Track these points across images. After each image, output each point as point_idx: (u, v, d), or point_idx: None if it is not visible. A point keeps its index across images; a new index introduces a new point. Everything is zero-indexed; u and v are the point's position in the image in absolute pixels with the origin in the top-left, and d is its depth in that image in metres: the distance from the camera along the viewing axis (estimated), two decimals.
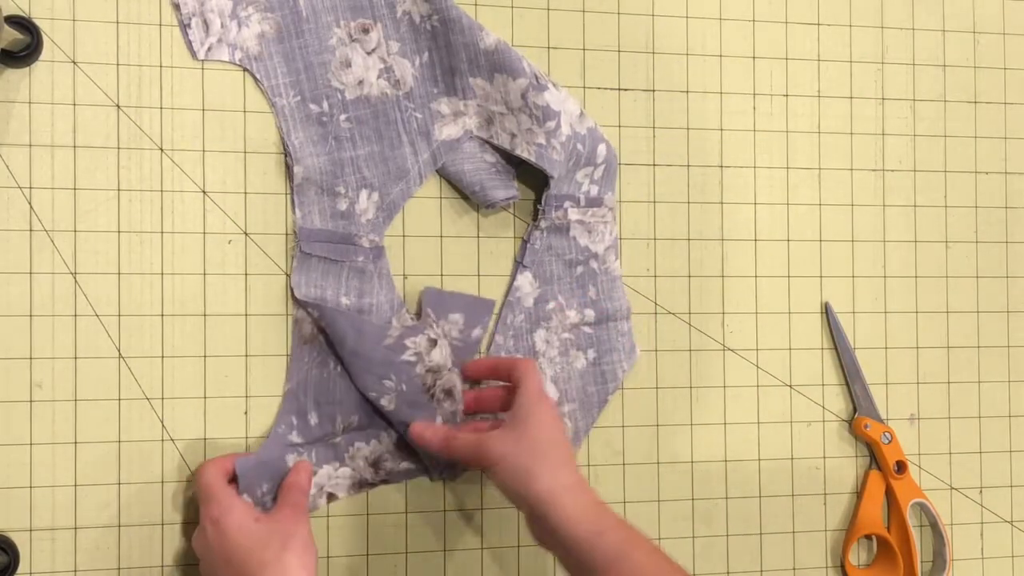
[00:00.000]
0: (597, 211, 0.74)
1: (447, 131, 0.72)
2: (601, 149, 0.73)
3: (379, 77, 0.72)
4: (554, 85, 0.72)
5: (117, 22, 0.69)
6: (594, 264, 0.74)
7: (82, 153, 0.69)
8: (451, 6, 0.71)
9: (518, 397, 0.67)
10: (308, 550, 0.64)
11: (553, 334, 0.74)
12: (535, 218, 0.74)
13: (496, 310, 0.74)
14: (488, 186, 0.73)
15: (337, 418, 0.71)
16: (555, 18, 0.76)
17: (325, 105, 0.71)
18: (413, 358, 0.70)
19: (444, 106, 0.72)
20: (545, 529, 0.64)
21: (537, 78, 0.71)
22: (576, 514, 0.63)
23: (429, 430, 0.69)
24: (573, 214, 0.73)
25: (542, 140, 0.71)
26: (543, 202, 0.73)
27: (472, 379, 0.73)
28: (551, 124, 0.71)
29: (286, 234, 0.71)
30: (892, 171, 0.82)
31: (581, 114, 0.73)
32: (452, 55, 0.71)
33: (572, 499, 0.63)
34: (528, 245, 0.74)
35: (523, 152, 0.71)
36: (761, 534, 0.78)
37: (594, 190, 0.74)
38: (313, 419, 0.71)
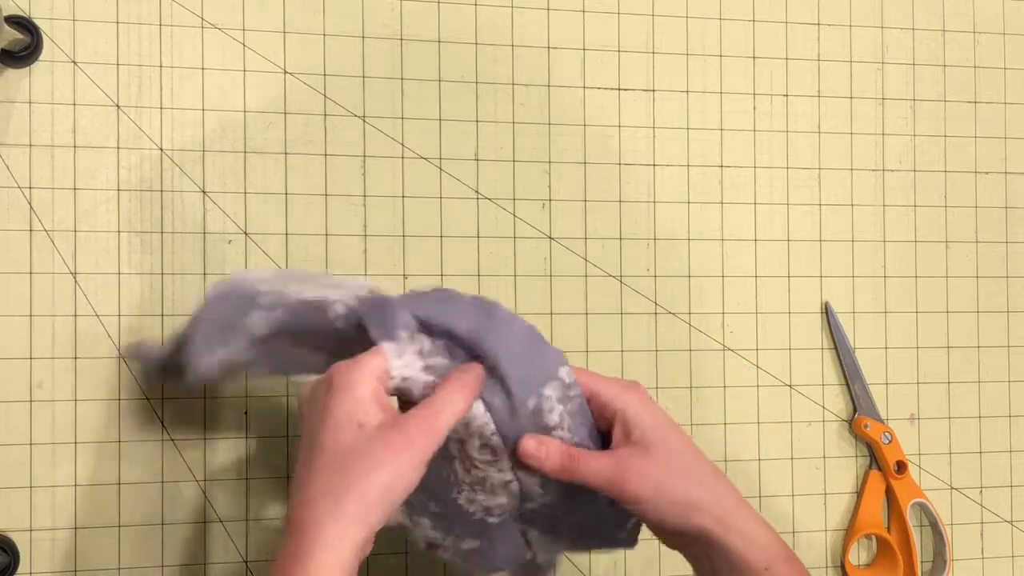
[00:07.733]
0: None
1: None
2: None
3: None
4: None
5: (117, 22, 0.69)
6: None
7: (82, 153, 0.69)
8: None
9: (633, 417, 0.55)
10: (368, 510, 0.48)
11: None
12: None
13: None
14: None
15: None
16: (555, 18, 0.76)
17: None
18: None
19: None
20: (715, 566, 0.56)
21: None
22: (749, 538, 0.55)
23: (544, 446, 0.55)
24: None
25: None
26: None
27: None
28: None
29: (286, 234, 0.71)
30: (892, 171, 0.82)
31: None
32: None
33: (743, 519, 0.56)
34: None
35: None
36: None
37: None
38: None
